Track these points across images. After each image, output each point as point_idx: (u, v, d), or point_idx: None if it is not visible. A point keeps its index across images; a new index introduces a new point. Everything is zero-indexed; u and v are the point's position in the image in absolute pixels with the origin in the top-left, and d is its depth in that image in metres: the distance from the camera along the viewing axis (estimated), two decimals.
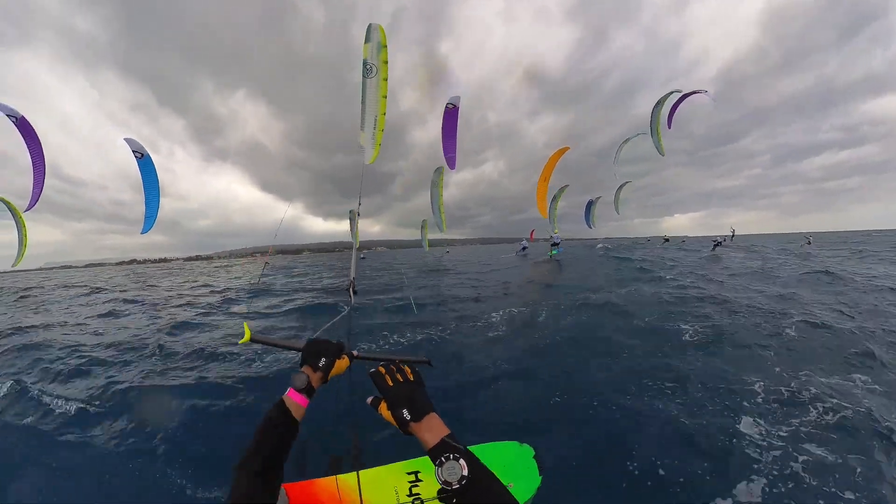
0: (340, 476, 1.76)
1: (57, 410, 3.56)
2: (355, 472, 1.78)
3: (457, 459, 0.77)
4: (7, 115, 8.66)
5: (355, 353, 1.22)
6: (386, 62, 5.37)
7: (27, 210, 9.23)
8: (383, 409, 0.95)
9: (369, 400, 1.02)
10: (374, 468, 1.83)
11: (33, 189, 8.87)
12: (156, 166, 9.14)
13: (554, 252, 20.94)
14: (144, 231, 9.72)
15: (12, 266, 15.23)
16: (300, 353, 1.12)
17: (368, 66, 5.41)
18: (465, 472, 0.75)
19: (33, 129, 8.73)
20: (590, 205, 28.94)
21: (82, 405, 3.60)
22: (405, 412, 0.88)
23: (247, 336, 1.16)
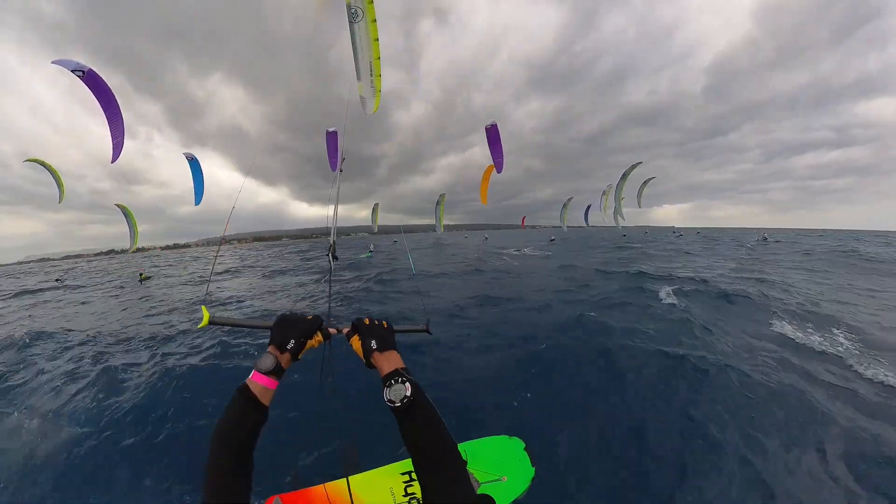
0: (329, 484, 1.72)
1: None
2: (345, 478, 1.72)
3: (402, 383, 0.88)
4: (72, 71, 8.64)
5: (333, 329, 1.14)
6: (371, 2, 4.89)
7: (112, 162, 9.40)
8: (355, 341, 1.08)
9: (345, 330, 1.12)
10: (366, 472, 1.81)
11: (113, 141, 8.96)
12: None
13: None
14: (196, 204, 15.70)
15: (130, 251, 24.32)
16: (270, 332, 1.06)
17: (353, 10, 4.95)
18: (408, 394, 0.86)
19: (104, 82, 8.75)
20: (588, 208, 37.74)
21: None
22: (373, 342, 1.02)
23: (205, 319, 1.10)
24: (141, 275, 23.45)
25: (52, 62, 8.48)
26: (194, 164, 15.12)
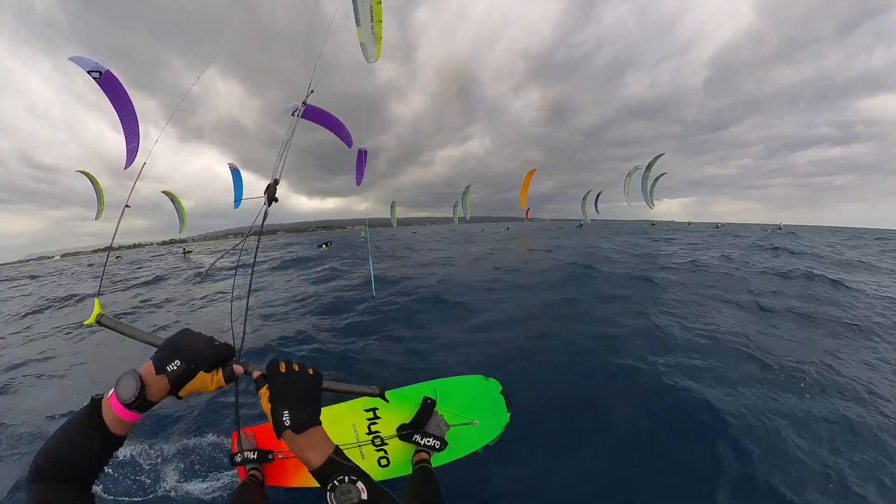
0: None
1: None
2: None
3: (353, 482, 0.68)
4: (88, 72, 8.44)
5: (239, 367, 0.82)
6: None
7: (126, 168, 9.28)
8: (263, 396, 0.78)
9: (255, 375, 0.81)
10: (330, 406, 1.66)
11: (128, 146, 8.81)
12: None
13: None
14: (236, 207, 16.03)
15: (180, 234, 26.55)
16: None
17: None
18: (364, 497, 0.66)
19: (120, 84, 8.60)
20: (598, 195, 39.39)
21: None
22: (286, 416, 0.72)
23: (93, 316, 0.91)
24: (184, 250, 30.07)
25: (70, 58, 8.20)
26: (236, 173, 18.05)
